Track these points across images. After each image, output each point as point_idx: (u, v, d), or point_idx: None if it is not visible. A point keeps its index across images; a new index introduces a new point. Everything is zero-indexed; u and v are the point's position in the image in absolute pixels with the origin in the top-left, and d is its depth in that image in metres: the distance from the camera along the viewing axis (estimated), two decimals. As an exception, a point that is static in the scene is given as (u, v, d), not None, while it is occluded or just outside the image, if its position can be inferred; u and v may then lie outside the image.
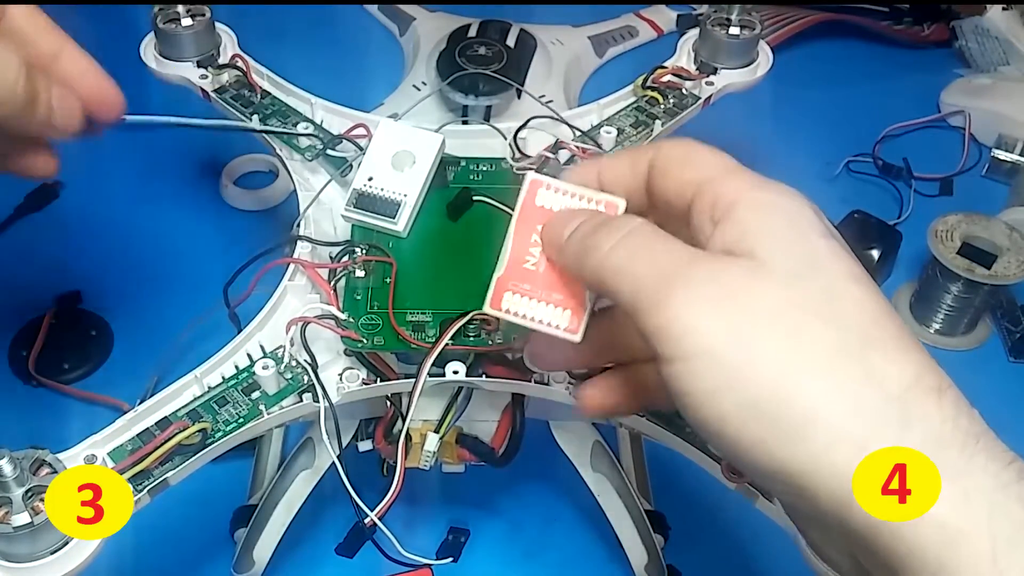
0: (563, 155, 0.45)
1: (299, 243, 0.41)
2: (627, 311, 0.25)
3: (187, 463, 0.35)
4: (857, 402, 0.22)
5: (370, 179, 0.42)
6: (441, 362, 0.38)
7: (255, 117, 0.47)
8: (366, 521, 0.37)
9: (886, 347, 0.23)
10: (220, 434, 0.36)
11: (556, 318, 0.28)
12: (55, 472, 0.32)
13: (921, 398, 0.23)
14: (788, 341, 0.23)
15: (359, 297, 0.39)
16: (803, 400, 0.22)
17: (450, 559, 0.48)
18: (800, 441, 0.22)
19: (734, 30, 0.51)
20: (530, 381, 0.39)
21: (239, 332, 0.39)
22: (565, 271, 0.28)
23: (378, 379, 0.39)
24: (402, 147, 0.42)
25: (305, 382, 0.38)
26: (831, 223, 0.26)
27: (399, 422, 0.39)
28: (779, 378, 0.22)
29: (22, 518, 0.31)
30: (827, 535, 0.25)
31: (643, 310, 0.24)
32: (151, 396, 0.36)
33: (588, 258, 0.26)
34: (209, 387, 0.37)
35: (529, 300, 0.29)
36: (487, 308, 0.29)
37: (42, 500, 0.31)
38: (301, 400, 0.38)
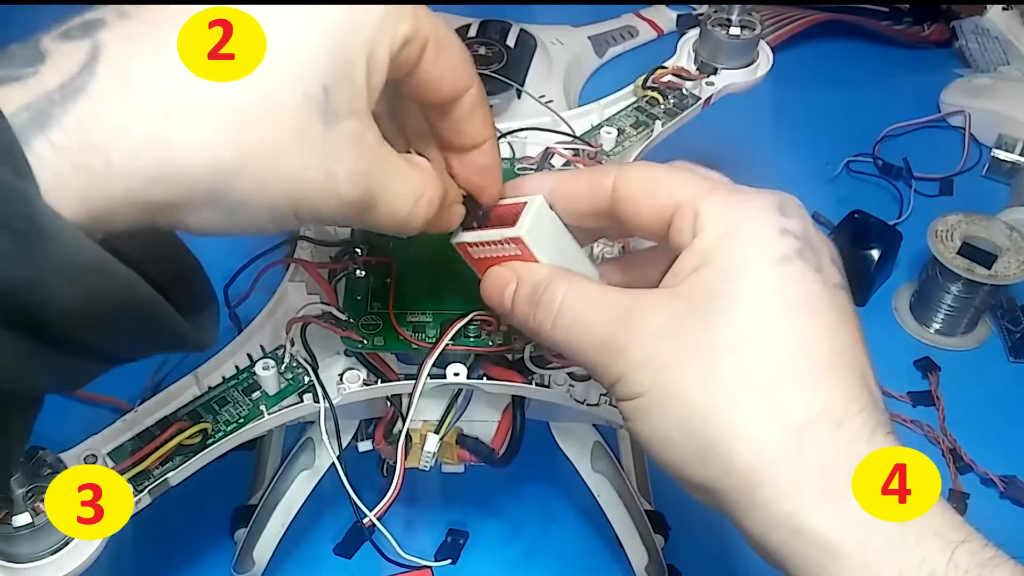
0: (557, 161, 0.45)
1: (299, 243, 0.41)
2: (583, 366, 0.29)
3: (187, 463, 0.35)
4: (756, 433, 0.26)
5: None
6: (441, 363, 0.38)
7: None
8: (365, 521, 0.37)
9: (798, 381, 0.26)
10: (220, 434, 0.36)
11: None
12: (56, 472, 0.32)
13: (819, 429, 0.25)
14: (705, 377, 0.26)
15: (359, 297, 0.39)
16: (710, 429, 0.26)
17: (448, 561, 0.48)
18: (706, 463, 0.26)
19: (734, 30, 0.51)
20: (530, 383, 0.39)
21: (239, 332, 0.39)
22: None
23: (378, 380, 0.39)
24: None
25: (305, 382, 0.38)
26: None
27: (399, 422, 0.40)
28: (687, 409, 0.26)
29: (23, 518, 0.31)
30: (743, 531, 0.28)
31: (596, 371, 0.29)
32: (151, 396, 0.36)
33: (539, 336, 0.30)
34: (209, 387, 0.37)
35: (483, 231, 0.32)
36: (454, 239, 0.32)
37: (43, 500, 0.31)
38: (301, 400, 0.38)
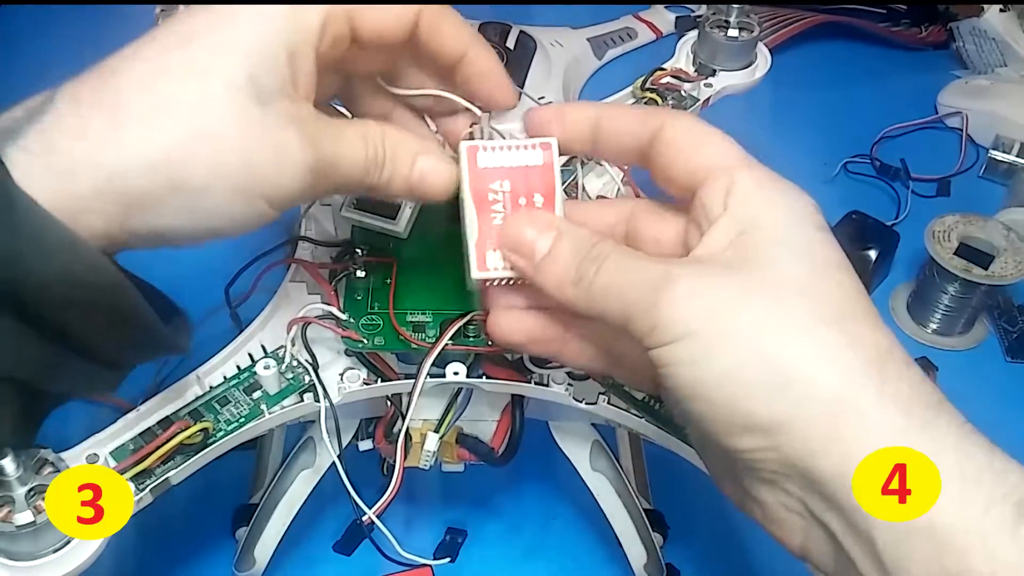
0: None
1: (300, 243, 0.41)
2: (618, 324, 0.28)
3: (188, 462, 0.35)
4: (838, 361, 0.25)
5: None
6: (441, 362, 0.38)
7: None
8: (364, 519, 0.37)
9: (864, 321, 0.26)
10: (221, 433, 0.36)
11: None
12: (57, 471, 0.32)
13: (895, 364, 0.26)
14: (768, 311, 0.26)
15: (360, 297, 0.39)
16: (783, 360, 0.25)
17: (447, 559, 0.48)
18: (782, 395, 0.25)
19: (733, 32, 0.51)
20: (530, 382, 0.39)
21: (240, 332, 0.40)
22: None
23: (378, 379, 0.39)
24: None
25: (306, 382, 0.38)
26: (826, 222, 0.29)
27: (399, 421, 0.40)
28: (757, 344, 0.25)
29: (24, 517, 0.31)
30: (782, 491, 0.26)
31: (635, 317, 0.27)
32: (153, 396, 0.37)
33: (574, 289, 0.29)
34: (211, 387, 0.38)
35: None
36: (475, 274, 0.31)
37: (44, 499, 0.31)
38: (302, 400, 0.38)
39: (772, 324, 0.26)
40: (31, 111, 0.27)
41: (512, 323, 0.32)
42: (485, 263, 0.30)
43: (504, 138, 0.33)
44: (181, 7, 0.30)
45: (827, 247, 0.28)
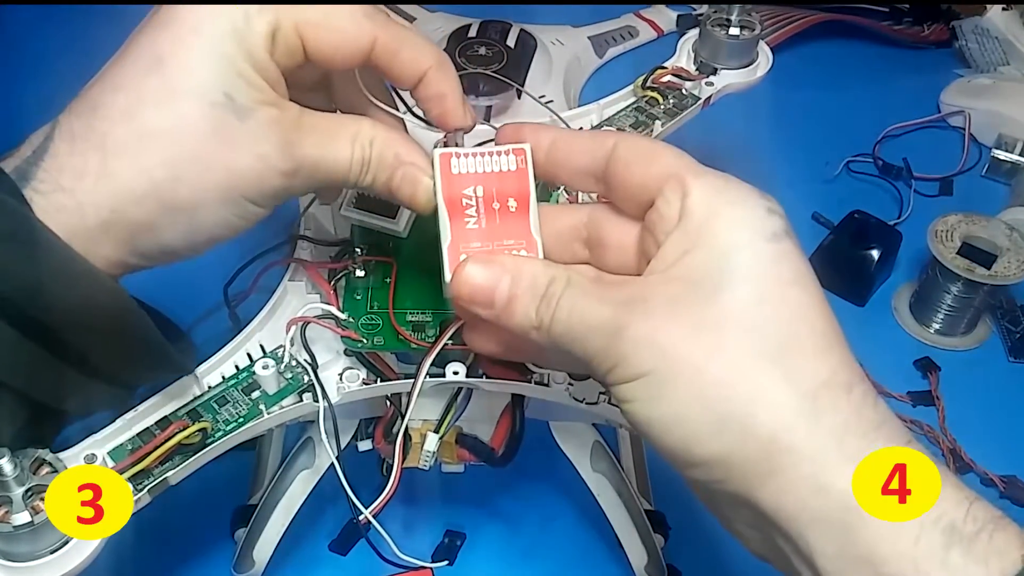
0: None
1: (299, 243, 0.41)
2: (582, 361, 0.29)
3: (187, 463, 0.35)
4: (771, 400, 0.26)
5: (370, 179, 0.42)
6: (441, 362, 0.38)
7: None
8: (360, 519, 0.37)
9: (804, 350, 0.27)
10: (220, 433, 0.36)
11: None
12: (55, 471, 0.32)
13: (832, 394, 0.26)
14: (710, 352, 0.27)
15: (359, 297, 0.39)
16: (721, 402, 0.26)
17: (445, 562, 0.48)
18: (722, 434, 0.26)
19: (734, 30, 0.51)
20: (530, 382, 0.39)
21: (239, 332, 0.39)
22: (503, 231, 0.31)
23: (378, 379, 0.39)
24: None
25: (305, 382, 0.38)
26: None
27: (399, 421, 0.40)
28: (699, 387, 0.26)
29: (22, 517, 0.31)
30: (739, 513, 0.28)
31: (593, 358, 0.28)
32: (151, 396, 0.36)
33: (536, 331, 0.29)
34: (209, 386, 0.37)
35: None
36: (449, 278, 0.31)
37: (42, 499, 0.31)
38: (301, 400, 0.38)
39: (713, 366, 0.26)
40: (37, 150, 0.30)
41: (487, 333, 0.32)
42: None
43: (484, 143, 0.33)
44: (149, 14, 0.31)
45: (777, 261, 0.27)
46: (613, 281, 0.31)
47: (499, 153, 0.31)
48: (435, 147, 0.32)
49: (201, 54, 0.29)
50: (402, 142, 0.33)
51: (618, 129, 0.48)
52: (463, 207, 0.31)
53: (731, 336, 0.27)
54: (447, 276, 0.31)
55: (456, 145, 0.34)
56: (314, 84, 0.35)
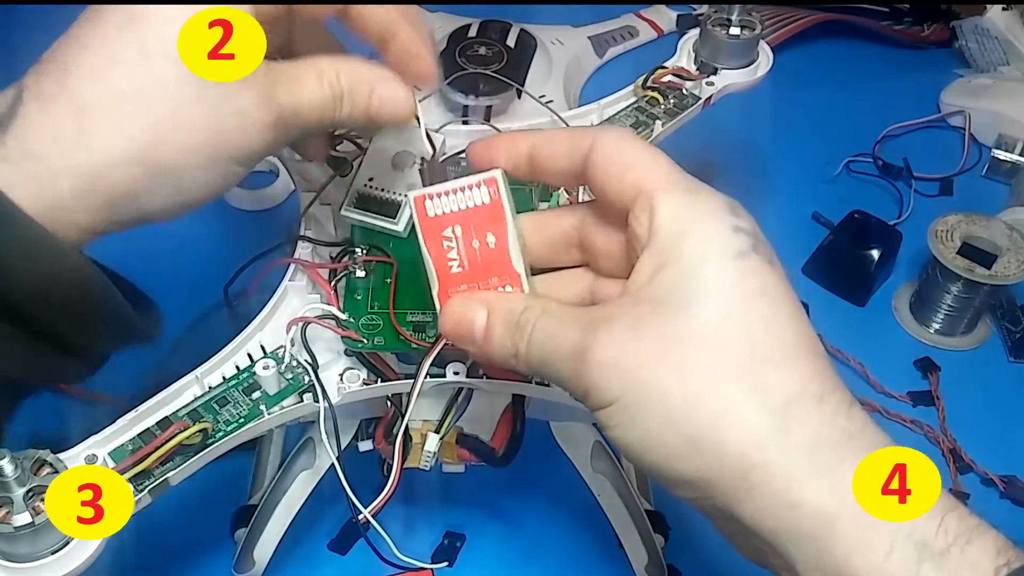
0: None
1: (299, 243, 0.41)
2: (561, 386, 0.29)
3: (188, 463, 0.35)
4: (739, 417, 0.26)
5: (371, 179, 0.42)
6: (441, 362, 0.38)
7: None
8: (360, 518, 0.37)
9: (772, 363, 0.27)
10: (221, 434, 0.36)
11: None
12: (56, 472, 0.32)
13: (802, 406, 0.26)
14: (679, 373, 0.26)
15: (359, 297, 0.39)
16: (695, 420, 0.26)
17: (445, 563, 0.48)
18: (695, 454, 0.26)
19: (734, 30, 0.51)
20: (530, 382, 0.39)
21: (239, 332, 0.39)
22: (487, 270, 0.31)
23: (378, 379, 0.39)
24: (403, 147, 0.42)
25: (305, 382, 0.38)
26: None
27: (399, 422, 0.40)
28: (669, 409, 0.26)
29: (23, 518, 0.31)
30: (728, 525, 0.28)
31: (569, 383, 0.28)
32: (152, 396, 0.36)
33: (514, 360, 0.30)
34: (210, 387, 0.37)
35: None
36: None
37: (43, 500, 0.31)
38: (301, 400, 0.38)
39: (679, 388, 0.26)
40: (3, 116, 0.28)
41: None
42: None
43: (456, 155, 0.33)
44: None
45: (745, 276, 0.27)
46: (593, 303, 0.31)
47: (471, 187, 0.31)
48: (408, 191, 0.33)
49: (174, 11, 0.29)
50: (367, 66, 0.33)
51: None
52: (445, 251, 0.31)
53: (696, 354, 0.26)
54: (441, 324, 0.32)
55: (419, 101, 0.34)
56: (280, 46, 0.35)
